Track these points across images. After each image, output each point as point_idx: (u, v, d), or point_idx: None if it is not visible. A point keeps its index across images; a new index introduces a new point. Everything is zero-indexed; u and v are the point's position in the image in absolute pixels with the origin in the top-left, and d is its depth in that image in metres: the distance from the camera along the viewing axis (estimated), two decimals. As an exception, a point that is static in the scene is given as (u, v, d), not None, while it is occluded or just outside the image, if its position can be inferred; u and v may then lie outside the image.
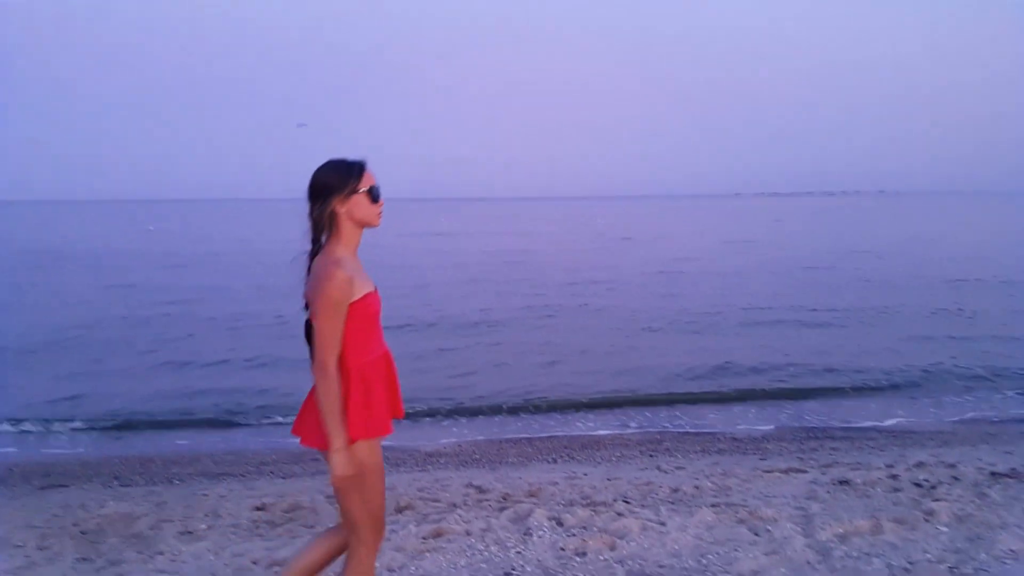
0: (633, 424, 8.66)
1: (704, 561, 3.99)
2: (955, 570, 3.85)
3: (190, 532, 4.77)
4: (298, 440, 2.70)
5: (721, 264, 27.98)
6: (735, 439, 7.82)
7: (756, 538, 4.29)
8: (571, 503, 5.08)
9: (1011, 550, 4.10)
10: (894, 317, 15.91)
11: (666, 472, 6.18)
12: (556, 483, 5.71)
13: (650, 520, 4.63)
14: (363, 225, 2.65)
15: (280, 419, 8.94)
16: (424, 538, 4.47)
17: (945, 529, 4.46)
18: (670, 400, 9.67)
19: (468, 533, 4.54)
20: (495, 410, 9.33)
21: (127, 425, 9.01)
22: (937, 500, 4.96)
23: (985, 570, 3.84)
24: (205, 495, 5.82)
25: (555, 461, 7.04)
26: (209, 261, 31.92)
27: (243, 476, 6.77)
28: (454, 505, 5.18)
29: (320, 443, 2.58)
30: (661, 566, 3.95)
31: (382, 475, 2.73)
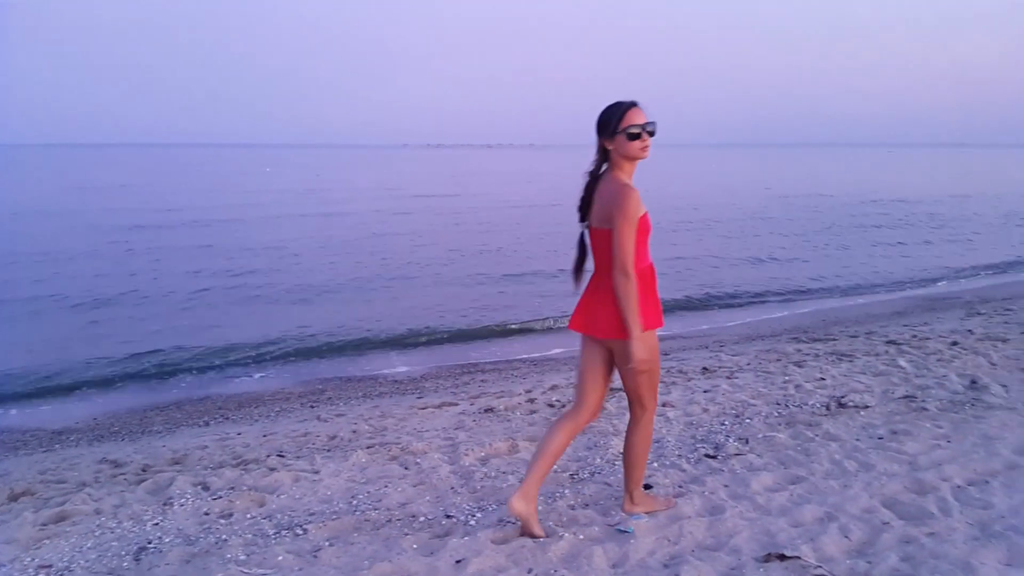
0: (295, 376, 8.51)
1: (355, 501, 4.05)
2: (575, 476, 4.36)
3: None
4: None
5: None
6: (396, 381, 8.07)
7: (406, 471, 4.46)
8: (220, 465, 4.82)
9: (620, 453, 4.73)
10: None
11: (325, 421, 6.16)
12: (205, 446, 5.39)
13: (303, 471, 4.58)
14: (630, 159, 3.09)
15: None
16: (43, 525, 3.94)
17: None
18: (334, 350, 9.64)
19: (98, 512, 4.08)
20: (142, 376, 8.52)
21: None
22: (566, 417, 5.57)
23: (599, 473, 4.40)
24: None
25: (207, 424, 6.64)
26: None
27: None
28: (83, 484, 4.63)
29: (612, 334, 3.12)
30: (311, 513, 3.92)
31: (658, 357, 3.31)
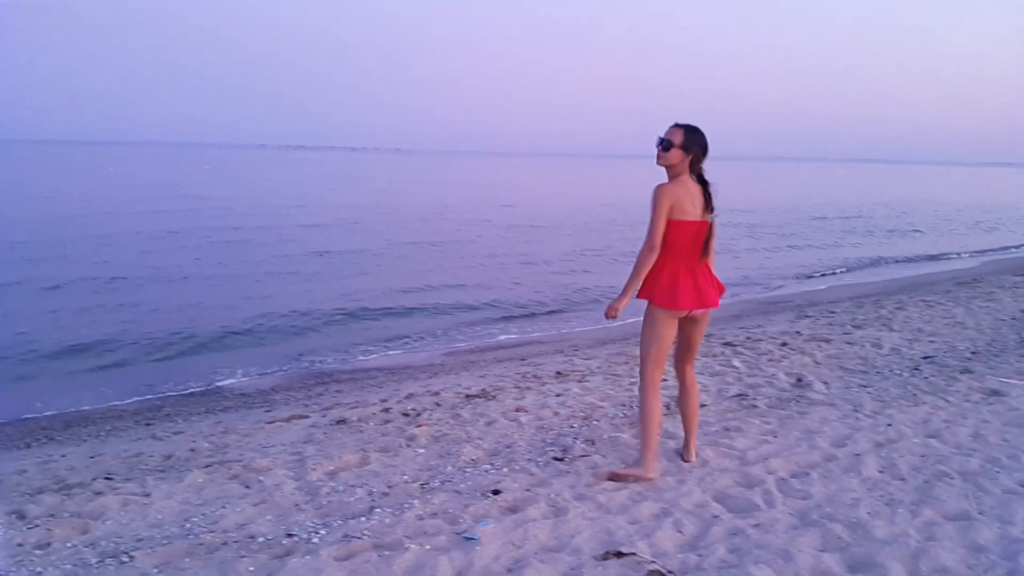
0: (130, 391, 7.97)
1: (188, 524, 3.82)
2: (425, 485, 4.32)
3: None
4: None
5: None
6: (244, 394, 7.74)
7: (247, 490, 4.27)
8: (39, 491, 4.42)
9: (472, 460, 4.76)
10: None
11: (161, 439, 5.79)
12: (24, 471, 4.93)
13: (133, 494, 4.27)
14: None
15: None
16: None
17: (422, 451, 4.99)
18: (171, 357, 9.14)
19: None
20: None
21: None
22: (419, 426, 5.52)
23: (449, 481, 4.39)
24: None
25: (28, 446, 6.10)
26: None
27: None
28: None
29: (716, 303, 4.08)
30: (140, 539, 3.66)
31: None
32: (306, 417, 6.08)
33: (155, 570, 3.28)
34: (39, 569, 3.37)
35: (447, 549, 3.38)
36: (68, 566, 3.39)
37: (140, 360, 9.22)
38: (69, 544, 3.64)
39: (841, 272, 18.26)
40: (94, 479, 4.63)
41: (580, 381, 6.91)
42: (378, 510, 3.91)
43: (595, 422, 5.47)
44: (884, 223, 32.46)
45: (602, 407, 5.85)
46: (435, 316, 12.32)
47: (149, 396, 7.76)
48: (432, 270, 16.81)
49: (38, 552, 3.57)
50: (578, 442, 4.94)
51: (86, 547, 3.60)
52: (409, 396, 6.70)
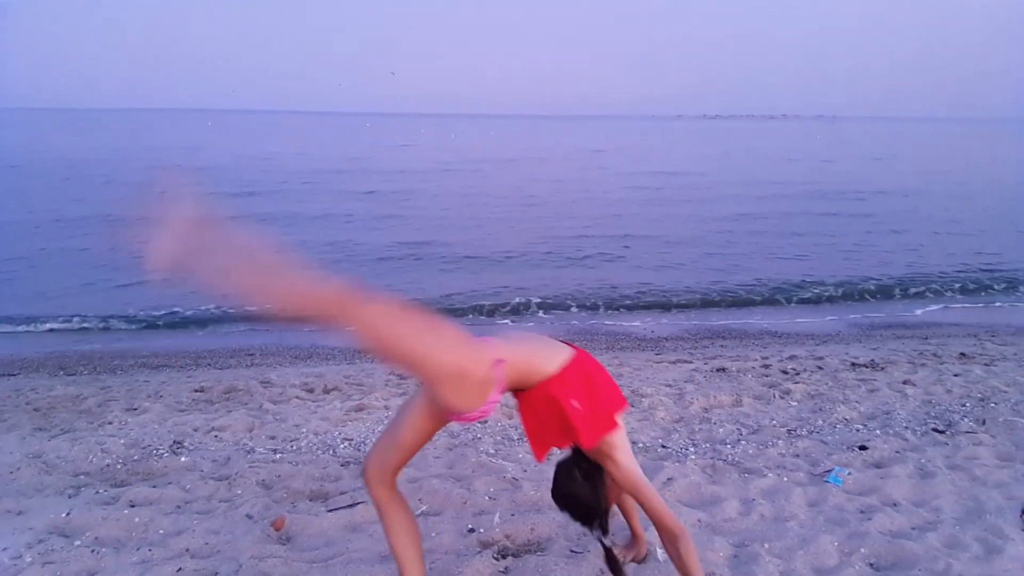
0: (549, 325, 9.44)
1: (586, 426, 4.69)
2: (792, 432, 4.62)
3: (135, 408, 5.22)
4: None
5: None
6: (639, 338, 8.62)
7: (632, 409, 5.02)
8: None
9: (844, 419, 4.90)
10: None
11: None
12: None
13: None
14: None
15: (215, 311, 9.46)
16: (347, 411, 5.07)
17: (795, 404, 5.25)
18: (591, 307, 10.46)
19: (387, 407, 5.15)
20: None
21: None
22: (797, 383, 5.75)
23: (817, 432, 4.62)
24: (147, 382, 6.28)
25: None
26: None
27: (182, 368, 7.23)
28: (376, 388, 5.77)
29: None
30: (549, 429, 4.63)
31: None
32: (689, 362, 6.68)
33: (557, 451, 4.16)
34: (479, 436, 4.52)
35: (803, 483, 3.70)
36: (498, 437, 4.49)
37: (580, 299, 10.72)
38: (499, 424, 4.75)
39: None
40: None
41: (987, 365, 6.40)
42: (743, 442, 4.35)
43: (992, 404, 5.15)
44: None
45: (1005, 391, 5.44)
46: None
47: (563, 331, 9.12)
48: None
49: (479, 425, 4.73)
50: (966, 420, 4.76)
51: (511, 427, 4.66)
52: (791, 357, 6.88)
